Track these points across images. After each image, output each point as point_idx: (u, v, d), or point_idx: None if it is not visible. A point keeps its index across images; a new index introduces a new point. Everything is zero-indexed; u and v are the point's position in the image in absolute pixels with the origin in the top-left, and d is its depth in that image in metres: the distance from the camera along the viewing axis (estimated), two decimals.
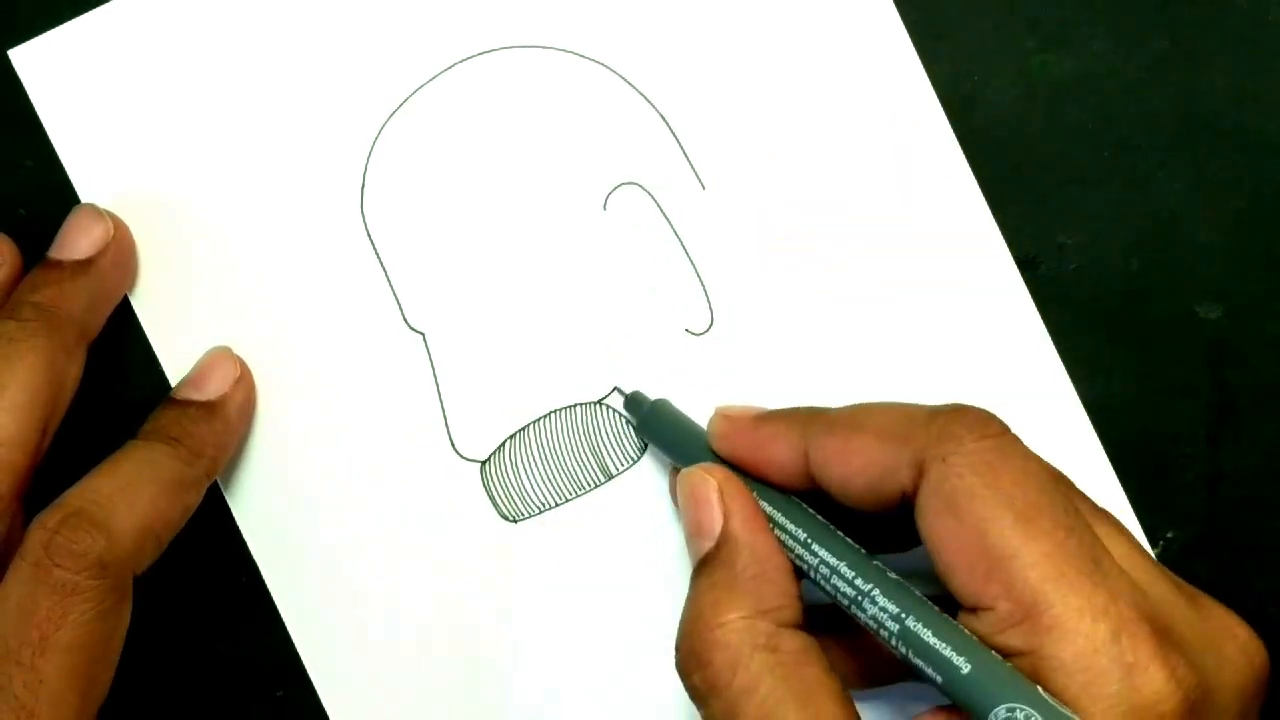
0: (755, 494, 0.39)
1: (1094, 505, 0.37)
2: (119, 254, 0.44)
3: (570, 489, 0.46)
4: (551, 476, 0.46)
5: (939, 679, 0.34)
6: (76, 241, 0.44)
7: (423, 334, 0.46)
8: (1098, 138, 0.45)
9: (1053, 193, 0.45)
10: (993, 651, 0.33)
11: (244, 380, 0.45)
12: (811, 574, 0.38)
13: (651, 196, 0.46)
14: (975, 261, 0.45)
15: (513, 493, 0.46)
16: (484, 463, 0.46)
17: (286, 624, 0.46)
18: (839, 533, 0.38)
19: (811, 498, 0.39)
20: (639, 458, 0.46)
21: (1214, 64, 0.45)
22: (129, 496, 0.41)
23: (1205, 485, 0.45)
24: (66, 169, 0.46)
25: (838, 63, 0.45)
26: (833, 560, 0.37)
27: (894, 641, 0.35)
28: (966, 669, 0.33)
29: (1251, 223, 0.45)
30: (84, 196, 0.46)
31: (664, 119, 0.45)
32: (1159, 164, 0.45)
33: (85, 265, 0.43)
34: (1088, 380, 0.45)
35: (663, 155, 0.46)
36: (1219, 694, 0.32)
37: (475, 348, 0.46)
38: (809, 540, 0.38)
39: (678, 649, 0.37)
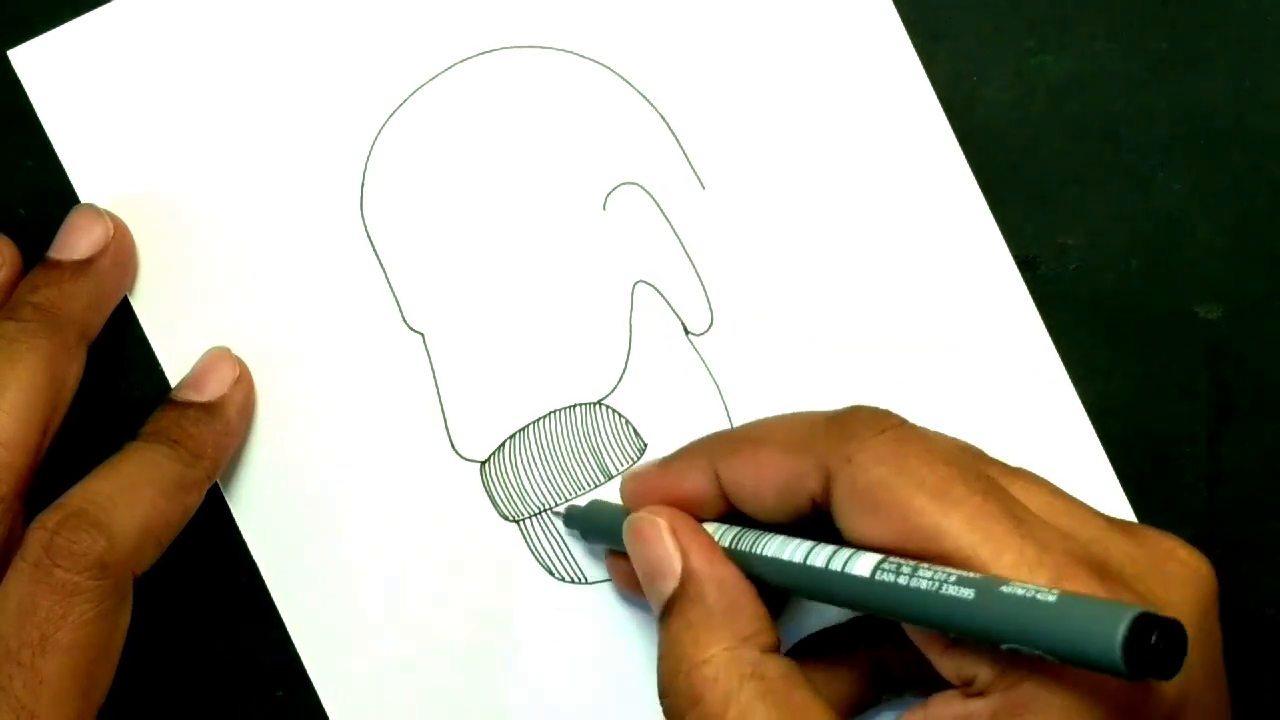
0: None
1: (1005, 466, 0.37)
2: (119, 254, 0.44)
3: (570, 489, 0.46)
4: (551, 476, 0.45)
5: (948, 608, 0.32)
6: (76, 241, 0.43)
7: (422, 334, 0.46)
8: (1098, 138, 0.45)
9: (1053, 193, 0.45)
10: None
11: (243, 380, 0.45)
12: (777, 575, 0.37)
13: (651, 196, 0.46)
14: (975, 261, 0.45)
15: (513, 493, 0.45)
16: (484, 463, 0.45)
17: (286, 624, 0.45)
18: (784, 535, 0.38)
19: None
20: (639, 458, 0.46)
21: (1214, 64, 0.45)
22: (129, 497, 0.40)
23: (1205, 485, 0.45)
24: (66, 169, 0.46)
25: (837, 63, 0.45)
26: (795, 546, 0.37)
27: (898, 590, 0.33)
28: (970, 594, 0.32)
29: (1251, 223, 0.45)
30: (84, 196, 0.45)
31: (664, 119, 0.45)
32: (1159, 164, 0.45)
33: (85, 265, 0.43)
34: (1088, 380, 0.45)
35: (663, 155, 0.45)
36: (1171, 612, 0.32)
37: (475, 348, 0.46)
38: (768, 548, 0.38)
39: (663, 694, 0.36)
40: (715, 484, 0.39)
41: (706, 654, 0.35)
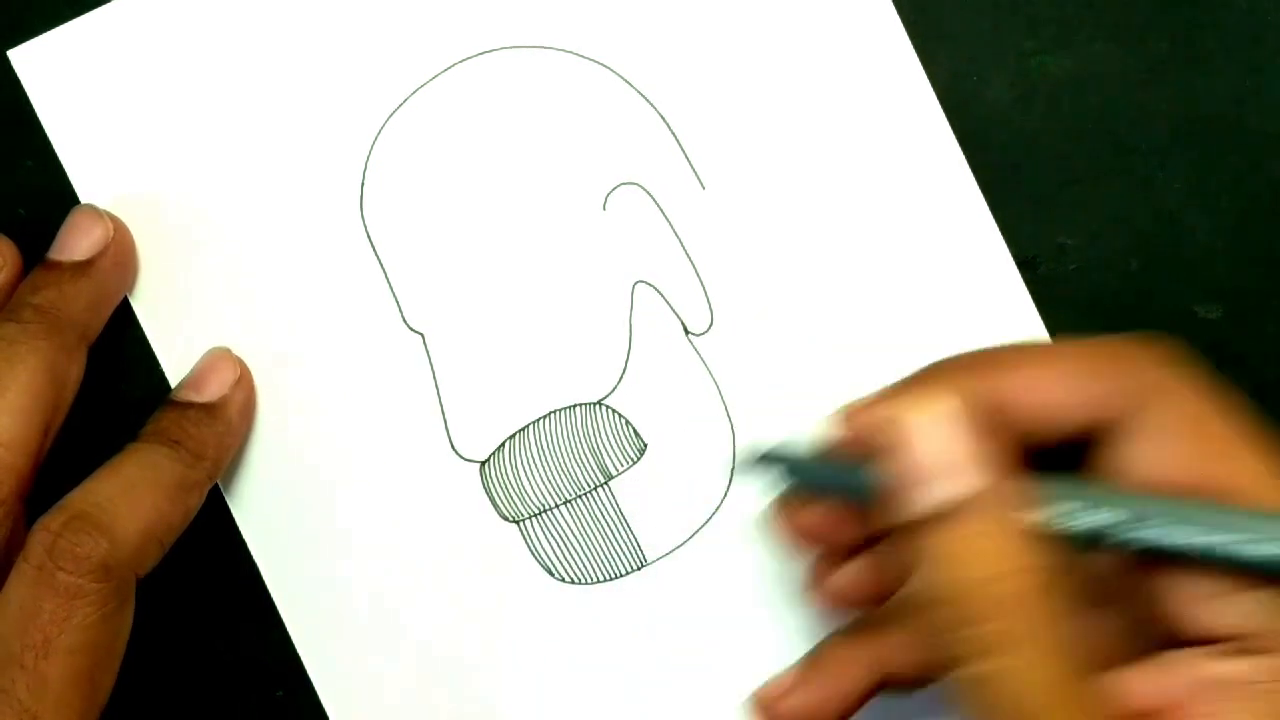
0: None
1: None
2: (119, 255, 0.44)
3: (570, 489, 0.45)
4: (551, 476, 0.45)
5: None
6: (76, 243, 0.43)
7: (422, 334, 0.45)
8: (1098, 138, 0.45)
9: (1053, 193, 0.45)
10: None
11: (243, 381, 0.44)
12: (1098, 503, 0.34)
13: (651, 196, 0.45)
14: (975, 261, 0.45)
15: (513, 493, 0.45)
16: (484, 463, 0.45)
17: (286, 624, 0.45)
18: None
19: None
20: (639, 458, 0.45)
21: (1214, 64, 0.45)
22: (131, 499, 0.40)
23: None
24: (66, 169, 0.45)
25: (837, 63, 0.45)
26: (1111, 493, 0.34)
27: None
28: None
29: (1251, 223, 0.45)
30: (84, 196, 0.45)
31: (664, 119, 0.45)
32: (1159, 164, 0.45)
33: (85, 266, 0.43)
34: None
35: (663, 155, 0.45)
36: None
37: (475, 348, 0.45)
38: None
39: (936, 604, 0.32)
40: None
41: (1014, 564, 0.31)
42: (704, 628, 0.45)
